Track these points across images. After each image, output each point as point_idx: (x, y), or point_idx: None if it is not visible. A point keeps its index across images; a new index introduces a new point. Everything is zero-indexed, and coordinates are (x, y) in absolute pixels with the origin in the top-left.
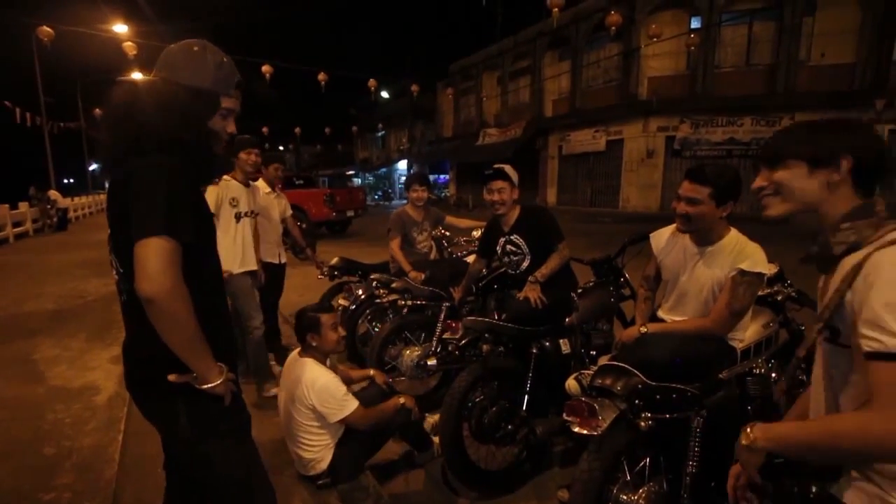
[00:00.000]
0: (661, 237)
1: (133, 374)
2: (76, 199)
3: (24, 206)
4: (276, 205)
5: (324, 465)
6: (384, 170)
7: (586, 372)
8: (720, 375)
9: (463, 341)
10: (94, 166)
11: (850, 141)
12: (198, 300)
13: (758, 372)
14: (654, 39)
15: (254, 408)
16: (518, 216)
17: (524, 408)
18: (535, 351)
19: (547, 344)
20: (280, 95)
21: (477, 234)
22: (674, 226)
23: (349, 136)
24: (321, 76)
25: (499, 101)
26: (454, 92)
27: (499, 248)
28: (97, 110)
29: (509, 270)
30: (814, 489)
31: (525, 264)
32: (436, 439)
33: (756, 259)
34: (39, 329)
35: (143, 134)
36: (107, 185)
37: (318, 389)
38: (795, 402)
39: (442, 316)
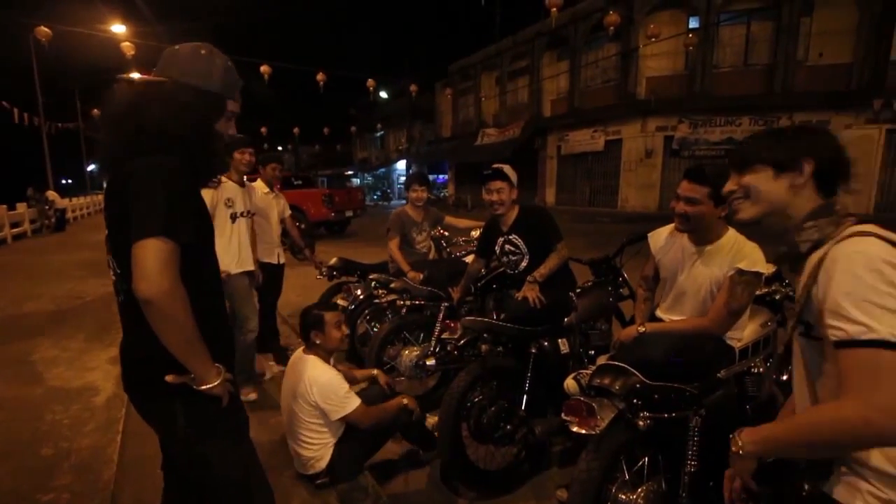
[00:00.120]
0: (660, 237)
1: (130, 375)
2: (74, 200)
3: (21, 207)
4: (275, 205)
5: (323, 463)
6: (383, 170)
7: (585, 372)
8: (718, 375)
9: (462, 341)
10: (92, 167)
11: (811, 146)
12: (196, 301)
13: (756, 371)
14: (653, 39)
15: (252, 408)
16: (517, 216)
17: (523, 408)
18: (533, 351)
19: (545, 344)
20: (279, 95)
21: (476, 234)
22: (672, 225)
23: (348, 137)
24: (320, 76)
25: (497, 102)
26: (453, 92)
27: (497, 248)
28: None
29: (508, 270)
30: (806, 487)
31: (524, 264)
32: None
33: (754, 258)
34: (38, 330)
35: (149, 134)
36: (105, 186)
37: (321, 386)
38: (785, 403)
39: (441, 316)
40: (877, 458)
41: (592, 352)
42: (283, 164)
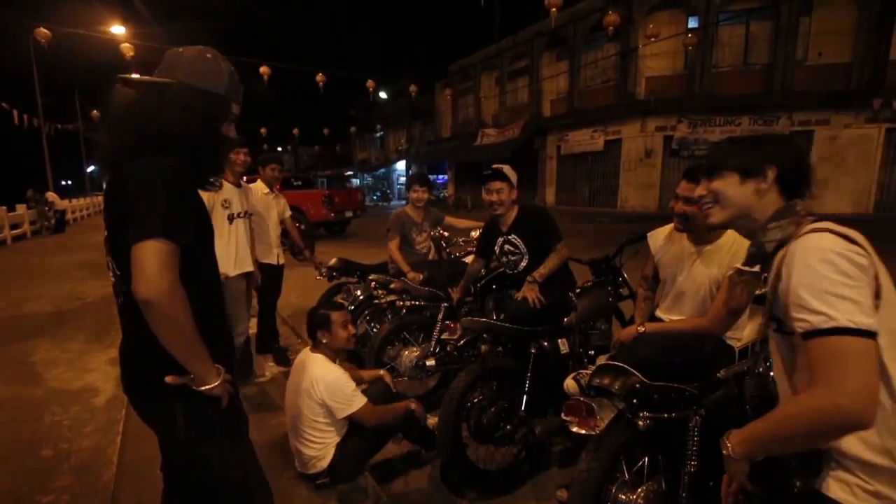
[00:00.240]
0: (659, 236)
1: (130, 376)
2: (74, 201)
3: (21, 209)
4: (275, 205)
5: (324, 463)
6: (382, 170)
7: (584, 372)
8: (718, 374)
9: (461, 342)
10: (91, 168)
11: (773, 153)
12: (196, 301)
13: (756, 371)
14: (652, 39)
15: (252, 408)
16: (516, 216)
17: (523, 408)
18: (533, 351)
19: (545, 344)
20: (278, 96)
21: (476, 234)
22: (671, 225)
23: (348, 137)
24: (319, 77)
25: (497, 102)
26: (452, 92)
27: (497, 249)
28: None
29: (507, 270)
30: (797, 485)
31: (523, 264)
32: None
33: None
34: (38, 331)
35: (152, 135)
36: (104, 187)
37: (328, 384)
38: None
39: (440, 316)
40: (857, 446)
41: (592, 352)
42: (283, 164)
